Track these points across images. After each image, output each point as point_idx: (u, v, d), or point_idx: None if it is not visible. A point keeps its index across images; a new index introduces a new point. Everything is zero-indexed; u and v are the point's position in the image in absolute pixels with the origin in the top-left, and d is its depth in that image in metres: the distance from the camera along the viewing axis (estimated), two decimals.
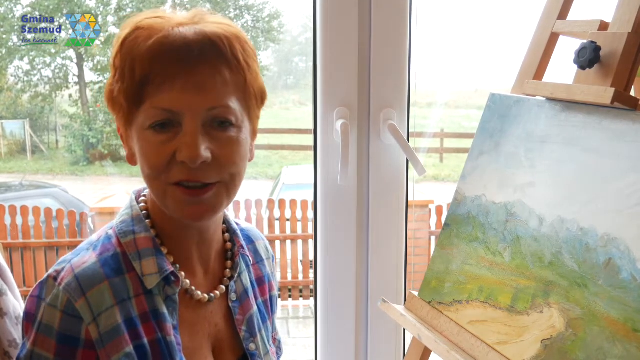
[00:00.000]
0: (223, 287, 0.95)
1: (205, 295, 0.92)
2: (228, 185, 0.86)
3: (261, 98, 0.91)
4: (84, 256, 0.85)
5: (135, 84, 0.82)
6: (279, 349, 1.08)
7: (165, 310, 0.87)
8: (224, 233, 1.00)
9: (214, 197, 0.85)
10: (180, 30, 0.82)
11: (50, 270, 0.84)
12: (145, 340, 0.84)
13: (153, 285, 0.86)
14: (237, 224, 1.02)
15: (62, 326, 0.80)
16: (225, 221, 1.00)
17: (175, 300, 0.88)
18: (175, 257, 0.91)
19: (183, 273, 0.91)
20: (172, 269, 0.88)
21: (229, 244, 0.99)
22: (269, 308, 1.05)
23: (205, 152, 0.81)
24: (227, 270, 0.97)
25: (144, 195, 0.94)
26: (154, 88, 0.81)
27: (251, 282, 1.01)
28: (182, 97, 0.80)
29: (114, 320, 0.82)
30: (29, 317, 0.83)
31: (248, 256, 1.01)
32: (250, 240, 1.05)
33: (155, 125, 0.82)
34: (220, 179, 0.85)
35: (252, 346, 0.97)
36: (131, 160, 0.89)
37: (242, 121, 0.86)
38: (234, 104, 0.84)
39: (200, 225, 0.91)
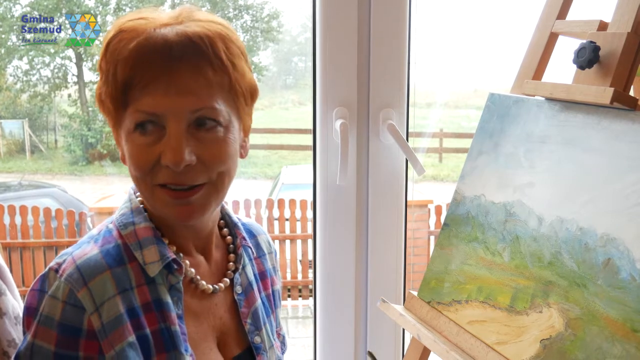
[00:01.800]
0: (227, 279, 0.96)
1: (210, 286, 0.93)
2: (216, 184, 0.86)
3: (251, 95, 0.90)
4: (85, 248, 0.85)
5: (119, 88, 0.82)
6: (283, 344, 1.09)
7: (169, 300, 0.87)
8: (222, 228, 1.00)
9: (202, 197, 0.85)
10: (161, 31, 0.81)
11: (52, 263, 0.84)
12: (148, 331, 0.84)
13: (155, 273, 0.86)
14: (238, 218, 1.03)
15: (63, 316, 0.80)
16: (224, 215, 1.00)
17: (180, 289, 0.88)
18: (177, 248, 0.91)
19: (187, 261, 0.91)
20: (174, 255, 0.88)
21: (229, 238, 1.00)
22: (271, 302, 1.05)
23: (189, 156, 0.81)
24: (231, 263, 0.98)
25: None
26: (137, 91, 0.81)
27: (254, 275, 1.02)
28: (164, 100, 0.80)
29: (116, 310, 0.82)
30: (30, 311, 0.82)
31: (250, 248, 1.01)
32: (251, 235, 1.05)
33: (138, 126, 0.82)
34: (207, 180, 0.85)
35: (257, 339, 0.97)
36: (124, 160, 0.90)
37: (229, 120, 0.85)
38: (219, 104, 0.84)
39: (193, 225, 0.92)
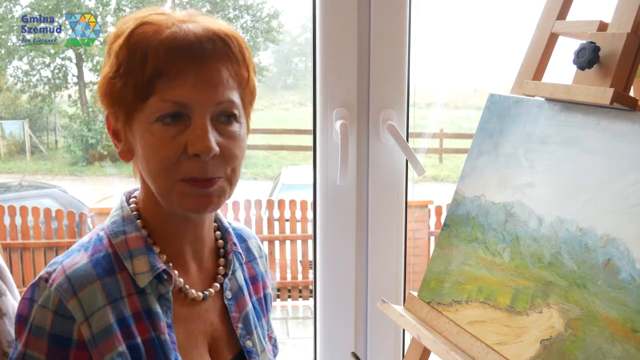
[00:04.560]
0: (217, 284, 0.96)
1: (200, 294, 0.93)
2: (229, 179, 0.88)
3: (253, 96, 0.94)
4: (75, 257, 0.85)
5: (146, 77, 0.82)
6: (275, 347, 1.09)
7: (159, 309, 0.87)
8: (214, 231, 1.00)
9: (219, 189, 0.86)
10: (188, 26, 0.84)
11: (42, 272, 0.84)
12: (139, 340, 0.84)
13: (145, 284, 0.86)
14: (229, 223, 1.03)
15: (53, 327, 0.80)
16: (217, 219, 1.01)
17: (169, 298, 0.88)
18: (168, 257, 0.91)
19: (176, 272, 0.91)
20: (164, 266, 0.88)
21: (220, 242, 1.00)
22: (263, 306, 1.05)
23: (215, 145, 0.83)
24: (221, 267, 0.98)
25: (135, 197, 0.94)
26: (165, 81, 0.82)
27: (245, 280, 1.02)
28: (193, 92, 0.82)
29: (106, 320, 0.82)
30: (21, 319, 0.83)
31: (241, 253, 1.01)
32: (242, 239, 1.06)
33: (163, 118, 0.82)
34: (224, 174, 0.86)
35: (248, 343, 0.97)
36: (126, 156, 0.89)
37: (241, 116, 0.88)
38: (237, 99, 0.87)
39: (194, 222, 0.92)
